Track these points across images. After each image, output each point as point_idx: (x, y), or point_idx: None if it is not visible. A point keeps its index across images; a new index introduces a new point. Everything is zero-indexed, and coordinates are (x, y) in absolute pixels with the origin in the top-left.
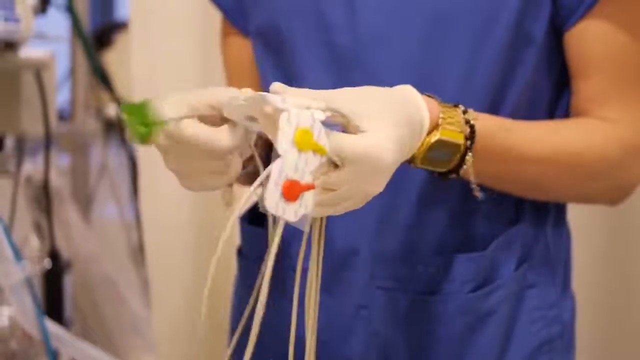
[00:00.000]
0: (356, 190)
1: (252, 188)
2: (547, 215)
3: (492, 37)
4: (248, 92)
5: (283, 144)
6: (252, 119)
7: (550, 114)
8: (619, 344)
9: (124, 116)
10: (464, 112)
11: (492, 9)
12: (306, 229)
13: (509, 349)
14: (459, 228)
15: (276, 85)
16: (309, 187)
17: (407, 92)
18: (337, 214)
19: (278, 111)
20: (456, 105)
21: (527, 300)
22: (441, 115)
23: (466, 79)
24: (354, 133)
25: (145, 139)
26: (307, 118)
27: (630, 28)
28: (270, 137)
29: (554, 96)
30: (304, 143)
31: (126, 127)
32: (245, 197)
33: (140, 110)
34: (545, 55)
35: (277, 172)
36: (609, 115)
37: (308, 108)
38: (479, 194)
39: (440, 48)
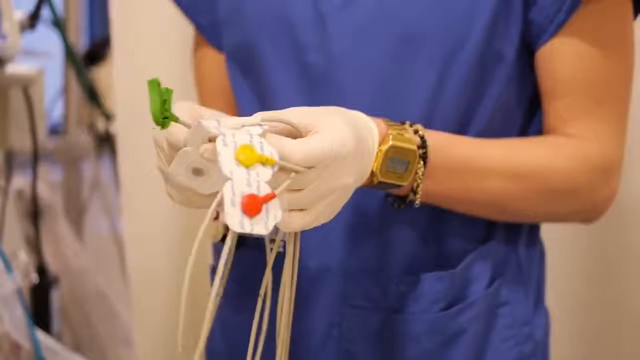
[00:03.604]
0: (326, 186)
1: (205, 221)
2: (520, 232)
3: (461, 56)
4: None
5: (226, 166)
6: (199, 171)
7: (522, 136)
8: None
9: (149, 90)
10: (411, 125)
11: (461, 27)
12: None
13: None
14: (429, 246)
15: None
16: (270, 197)
17: (352, 111)
18: (316, 224)
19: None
20: (402, 122)
21: (499, 318)
22: (389, 128)
23: (435, 97)
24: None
25: (159, 122)
26: (243, 136)
27: (600, 46)
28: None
29: (526, 119)
30: (248, 158)
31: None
32: (201, 230)
33: (163, 95)
34: (516, 75)
35: (230, 192)
36: (577, 133)
37: (244, 126)
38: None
39: (409, 67)
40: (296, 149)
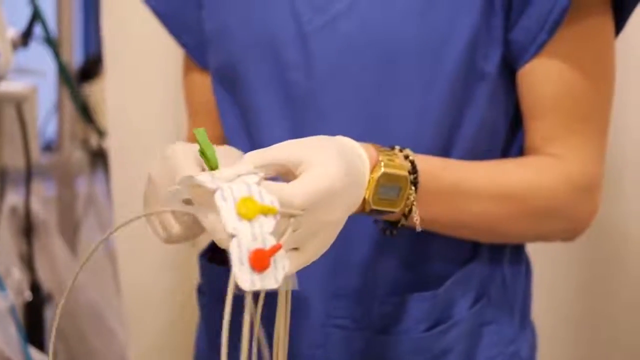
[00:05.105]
0: (318, 224)
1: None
2: (504, 251)
3: (443, 73)
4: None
5: (229, 222)
6: (189, 201)
7: (504, 155)
8: None
9: (201, 139)
10: (401, 150)
11: (441, 44)
12: (294, 286)
13: None
14: (413, 268)
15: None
16: (277, 249)
17: (340, 138)
18: (310, 260)
19: (210, 191)
20: (392, 147)
21: (485, 337)
22: (380, 154)
23: (418, 116)
24: (298, 175)
25: (216, 166)
26: (241, 187)
27: (581, 66)
28: (206, 219)
29: (509, 137)
30: (249, 211)
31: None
32: (230, 289)
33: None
34: (500, 92)
35: (237, 250)
36: (558, 152)
37: (239, 176)
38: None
39: (391, 85)
40: (296, 192)
